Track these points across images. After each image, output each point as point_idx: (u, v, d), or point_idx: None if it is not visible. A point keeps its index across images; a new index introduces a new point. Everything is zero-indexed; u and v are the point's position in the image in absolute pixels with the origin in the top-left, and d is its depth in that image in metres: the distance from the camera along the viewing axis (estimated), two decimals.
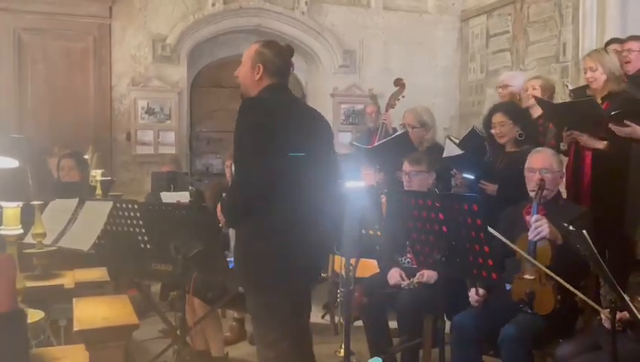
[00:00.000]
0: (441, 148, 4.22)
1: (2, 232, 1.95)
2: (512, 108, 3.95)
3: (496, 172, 3.78)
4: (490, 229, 2.51)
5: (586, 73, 3.69)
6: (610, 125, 3.44)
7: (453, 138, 4.25)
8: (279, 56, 2.50)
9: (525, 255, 2.74)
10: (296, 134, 2.38)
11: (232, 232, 3.87)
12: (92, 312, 2.08)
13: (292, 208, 2.35)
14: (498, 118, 3.82)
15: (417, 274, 3.41)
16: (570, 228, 2.24)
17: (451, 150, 4.00)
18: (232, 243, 3.82)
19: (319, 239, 2.50)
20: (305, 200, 2.39)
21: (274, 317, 2.40)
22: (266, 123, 2.31)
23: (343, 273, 3.49)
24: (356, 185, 3.85)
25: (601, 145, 3.53)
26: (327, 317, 4.61)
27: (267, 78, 2.48)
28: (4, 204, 1.90)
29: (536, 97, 3.98)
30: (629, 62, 3.89)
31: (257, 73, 2.48)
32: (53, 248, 2.96)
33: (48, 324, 2.51)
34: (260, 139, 2.28)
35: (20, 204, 1.95)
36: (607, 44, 4.31)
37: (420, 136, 4.40)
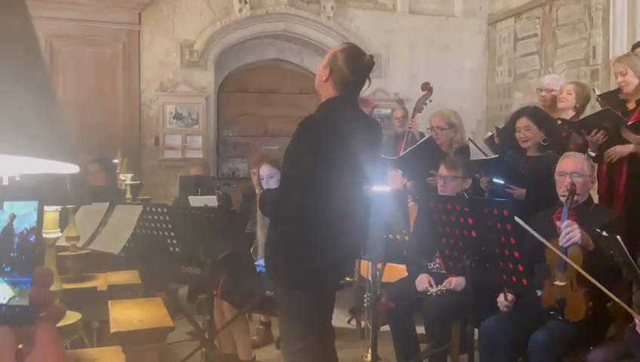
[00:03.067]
0: (469, 150, 4.19)
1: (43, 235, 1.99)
2: (537, 113, 3.91)
3: (519, 176, 3.74)
4: (517, 219, 2.47)
5: (617, 78, 3.66)
6: (623, 133, 3.43)
7: (475, 142, 4.21)
8: (349, 67, 2.40)
9: (560, 253, 2.69)
10: (342, 155, 2.38)
11: (259, 234, 3.90)
12: (128, 314, 2.12)
13: (327, 212, 2.40)
14: (523, 122, 3.79)
15: (445, 282, 3.39)
16: (604, 233, 2.21)
17: (476, 153, 3.98)
18: (260, 246, 3.86)
19: (350, 243, 2.55)
20: (343, 209, 2.43)
21: (303, 316, 2.46)
22: (315, 145, 2.34)
23: (370, 278, 3.49)
24: (382, 190, 3.86)
25: (631, 148, 3.51)
26: (354, 322, 4.61)
27: (333, 85, 2.42)
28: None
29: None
30: None
31: (325, 76, 2.43)
32: (87, 251, 3.02)
33: (82, 326, 2.56)
34: (307, 159, 2.34)
35: (59, 208, 2.00)
36: (634, 47, 4.27)
37: (449, 137, 4.37)
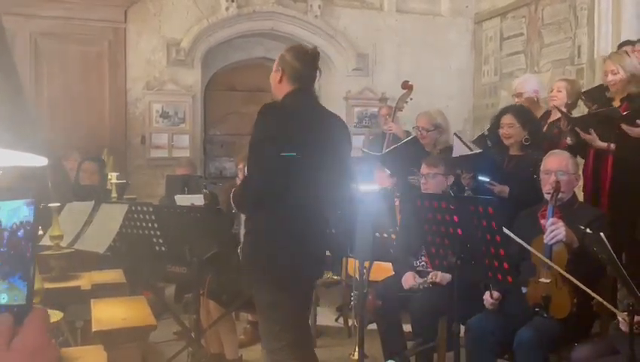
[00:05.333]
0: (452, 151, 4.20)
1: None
2: (522, 111, 3.95)
3: (502, 174, 3.77)
4: (505, 230, 2.50)
5: (607, 76, 3.67)
6: (623, 125, 3.43)
7: (461, 136, 4.21)
8: (298, 60, 2.55)
9: (543, 257, 2.72)
10: (307, 140, 2.47)
11: (242, 233, 3.89)
12: (110, 313, 2.10)
13: (300, 207, 2.44)
14: (507, 119, 3.84)
15: (430, 274, 3.40)
16: (587, 230, 2.23)
17: (460, 149, 3.98)
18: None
19: (326, 240, 2.57)
20: (314, 201, 2.47)
21: (279, 313, 2.49)
22: (278, 129, 2.44)
23: (357, 276, 3.49)
24: (370, 188, 3.87)
25: (605, 145, 3.55)
26: (341, 320, 4.61)
27: (288, 82, 2.56)
28: None
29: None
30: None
31: (278, 77, 2.57)
32: (70, 250, 2.99)
33: (65, 325, 2.54)
34: (271, 144, 2.41)
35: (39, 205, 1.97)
36: (620, 46, 4.29)
37: (434, 138, 4.39)
